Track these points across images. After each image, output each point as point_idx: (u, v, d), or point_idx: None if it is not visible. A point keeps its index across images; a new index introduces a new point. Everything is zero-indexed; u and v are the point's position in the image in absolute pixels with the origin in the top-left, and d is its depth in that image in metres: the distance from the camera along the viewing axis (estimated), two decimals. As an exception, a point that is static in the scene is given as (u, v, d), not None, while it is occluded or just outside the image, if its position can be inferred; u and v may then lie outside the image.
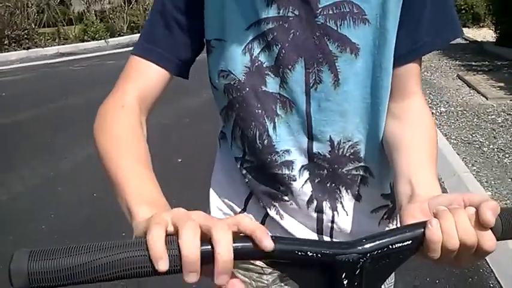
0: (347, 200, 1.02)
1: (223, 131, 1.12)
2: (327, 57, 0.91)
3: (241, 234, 0.59)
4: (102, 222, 3.22)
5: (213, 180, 1.16)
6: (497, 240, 0.65)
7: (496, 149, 4.47)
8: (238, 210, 1.09)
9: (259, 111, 0.96)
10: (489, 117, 5.49)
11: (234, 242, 0.56)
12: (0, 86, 9.33)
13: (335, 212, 1.02)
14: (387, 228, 1.08)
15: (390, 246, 0.63)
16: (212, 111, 1.13)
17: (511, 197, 3.46)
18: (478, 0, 14.77)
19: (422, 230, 0.64)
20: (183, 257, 0.55)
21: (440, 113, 5.81)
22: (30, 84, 9.46)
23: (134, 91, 0.92)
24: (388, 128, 0.95)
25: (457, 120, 5.47)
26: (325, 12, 0.89)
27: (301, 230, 1.05)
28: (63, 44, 15.30)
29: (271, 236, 0.60)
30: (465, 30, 14.01)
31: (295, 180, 1.00)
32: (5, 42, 13.87)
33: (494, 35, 10.61)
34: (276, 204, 1.04)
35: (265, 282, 1.10)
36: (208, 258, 0.55)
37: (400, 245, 0.64)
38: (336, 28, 0.89)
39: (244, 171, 1.05)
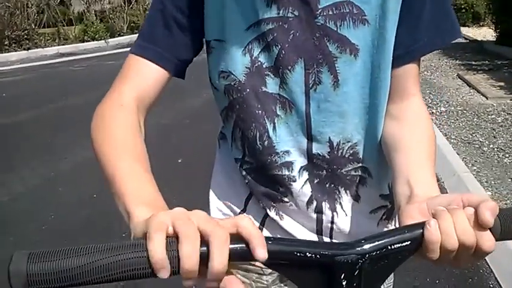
0: (346, 200, 1.02)
1: (222, 132, 1.12)
2: (327, 58, 0.91)
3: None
4: (103, 222, 3.22)
5: (213, 181, 1.16)
6: (496, 240, 0.65)
7: (496, 149, 4.47)
8: (238, 210, 1.10)
9: (260, 112, 0.96)
10: (489, 116, 5.49)
11: (232, 243, 0.56)
12: (0, 86, 9.33)
13: (334, 213, 1.02)
14: (386, 229, 1.08)
15: (389, 247, 0.63)
16: (212, 112, 1.13)
17: (511, 197, 3.46)
18: (478, -1, 14.78)
19: (421, 230, 0.64)
20: (182, 267, 0.55)
21: (440, 112, 5.80)
22: (30, 84, 9.47)
23: (132, 91, 0.92)
24: (387, 128, 0.95)
25: (457, 119, 5.47)
26: (325, 13, 0.89)
27: (300, 231, 1.05)
28: (63, 45, 15.30)
29: (270, 238, 0.60)
30: (465, 29, 14.02)
31: (295, 181, 1.00)
32: (5, 42, 13.88)
33: (495, 34, 10.60)
34: (276, 205, 1.04)
35: (265, 282, 1.10)
36: (205, 260, 0.56)
37: (399, 245, 0.64)
38: (335, 29, 0.89)
39: (243, 173, 1.05)
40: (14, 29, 14.08)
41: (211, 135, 1.25)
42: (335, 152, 0.97)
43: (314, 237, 1.05)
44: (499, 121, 5.30)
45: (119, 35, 16.99)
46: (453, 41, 0.96)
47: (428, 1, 0.90)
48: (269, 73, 0.93)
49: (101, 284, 0.55)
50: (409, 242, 0.64)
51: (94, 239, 3.11)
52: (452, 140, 4.73)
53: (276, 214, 1.05)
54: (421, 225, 0.65)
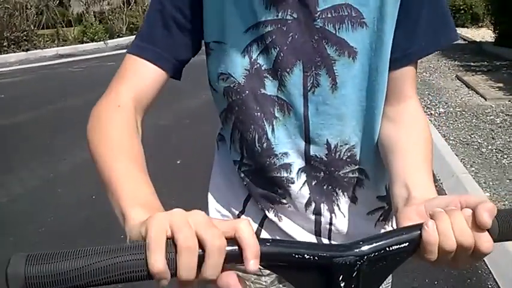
0: (343, 202, 1.02)
1: (221, 133, 1.12)
2: (325, 60, 0.91)
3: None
4: (102, 223, 3.22)
5: (211, 183, 1.16)
6: (494, 241, 0.65)
7: (494, 150, 4.47)
8: (237, 212, 1.10)
9: (259, 114, 0.96)
10: (488, 117, 5.50)
11: (228, 245, 0.56)
12: (-1, 87, 9.33)
13: (333, 214, 1.03)
14: (383, 230, 1.08)
15: (387, 249, 0.63)
16: (211, 113, 1.13)
17: (509, 197, 3.46)
18: (477, 0, 14.78)
19: (419, 231, 0.64)
20: (179, 276, 0.55)
21: (439, 113, 5.81)
22: (29, 85, 9.46)
23: (130, 91, 0.90)
24: (384, 131, 0.95)
25: (456, 121, 5.48)
26: (323, 16, 0.89)
27: (299, 232, 1.05)
28: (62, 46, 15.29)
29: (268, 240, 0.60)
30: (464, 30, 14.03)
31: (293, 183, 1.00)
32: (4, 44, 13.87)
33: (493, 35, 10.61)
34: (274, 207, 1.04)
35: (264, 283, 1.10)
36: (200, 262, 0.56)
37: (397, 247, 0.64)
38: (334, 32, 0.89)
39: (242, 175, 1.05)
40: (13, 30, 14.07)
41: (210, 137, 1.25)
42: (333, 154, 0.97)
43: (313, 239, 1.05)
44: (498, 122, 5.31)
45: (118, 36, 16.99)
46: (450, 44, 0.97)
47: (425, 4, 0.90)
48: (268, 75, 0.93)
49: (99, 286, 0.55)
50: (407, 244, 0.64)
51: (93, 240, 3.11)
52: (450, 141, 4.74)
53: (275, 215, 1.05)
54: (419, 226, 0.65)
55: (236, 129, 1.00)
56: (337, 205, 1.02)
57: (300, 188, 1.00)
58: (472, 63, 8.85)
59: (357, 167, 1.00)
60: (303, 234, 1.05)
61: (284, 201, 1.02)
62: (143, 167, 0.79)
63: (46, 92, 8.61)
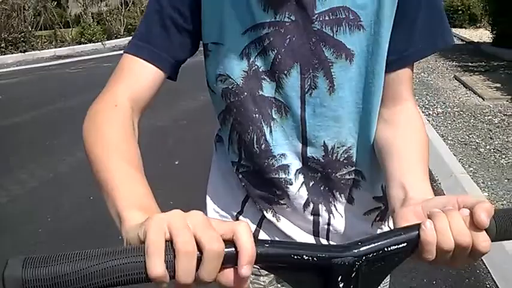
0: (340, 203, 1.03)
1: (219, 134, 1.12)
2: (323, 63, 0.91)
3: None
4: (100, 224, 3.21)
5: (209, 184, 1.16)
6: (492, 241, 0.65)
7: (492, 150, 4.48)
8: (235, 213, 1.10)
9: (257, 115, 0.96)
10: (486, 118, 5.51)
11: (226, 247, 0.56)
12: (-3, 89, 9.32)
13: (331, 215, 1.03)
14: (380, 230, 1.09)
15: (386, 249, 0.63)
16: (209, 113, 1.13)
17: (507, 197, 3.46)
18: (475, 0, 14.80)
19: (417, 232, 0.65)
20: (178, 280, 0.55)
21: (437, 114, 5.81)
22: (27, 87, 9.45)
23: (127, 91, 0.90)
24: (380, 132, 0.95)
25: (454, 121, 5.48)
26: (321, 18, 0.89)
27: (297, 232, 1.05)
28: (60, 47, 15.27)
29: (267, 241, 0.60)
30: (462, 31, 14.06)
31: (291, 184, 1.00)
32: (2, 45, 13.84)
33: (491, 36, 10.63)
34: (273, 207, 1.05)
35: (262, 283, 1.10)
36: (197, 263, 0.56)
37: (396, 247, 0.64)
38: (332, 34, 0.90)
39: (240, 176, 1.05)
40: (11, 31, 14.05)
41: (207, 137, 1.25)
42: (330, 156, 0.98)
43: (311, 239, 1.05)
44: (496, 122, 5.32)
45: (116, 37, 16.97)
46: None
47: (422, 7, 0.90)
48: (265, 77, 0.93)
49: None
50: (405, 244, 0.64)
51: (91, 241, 3.10)
52: (449, 141, 4.74)
53: (273, 216, 1.05)
54: (417, 226, 0.65)
55: (234, 130, 1.00)
56: (334, 206, 1.03)
57: (298, 189, 1.00)
58: (470, 64, 8.86)
59: (353, 168, 1.00)
60: (301, 235, 1.05)
61: (282, 202, 1.03)
62: (139, 168, 0.78)
63: (44, 93, 8.60)
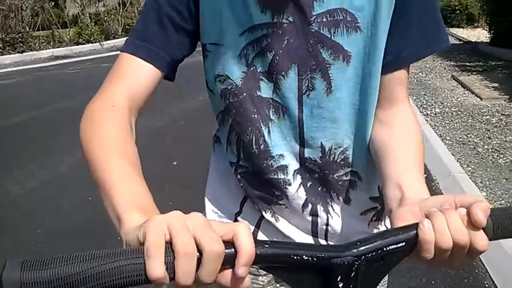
0: (337, 203, 1.03)
1: (217, 135, 1.12)
2: (320, 64, 0.91)
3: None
4: (100, 224, 3.21)
5: (208, 184, 1.16)
6: (489, 240, 0.65)
7: (490, 150, 4.49)
8: (234, 213, 1.10)
9: (255, 116, 0.96)
10: (483, 117, 5.51)
11: (226, 248, 0.56)
12: (-5, 89, 9.31)
13: (329, 215, 1.03)
14: (376, 230, 1.09)
15: (384, 248, 0.64)
16: (208, 114, 1.13)
17: (505, 197, 3.47)
18: (472, 0, 14.82)
19: (415, 231, 0.65)
20: (177, 282, 0.55)
21: (435, 113, 5.82)
22: (25, 87, 9.44)
23: (124, 90, 0.89)
24: (375, 133, 0.96)
25: (452, 120, 5.49)
26: (319, 20, 0.89)
27: (296, 233, 1.06)
28: (57, 47, 15.24)
29: (267, 241, 0.60)
30: (459, 30, 14.08)
31: (290, 185, 1.00)
32: (-1, 45, 13.85)
33: (489, 35, 10.65)
34: (272, 208, 1.05)
35: (261, 283, 1.10)
36: (199, 266, 0.56)
37: (394, 246, 0.64)
38: (329, 36, 0.90)
39: (239, 176, 1.05)
40: (8, 31, 14.01)
41: (206, 138, 1.25)
42: (327, 157, 0.98)
43: (310, 239, 1.06)
44: (494, 122, 5.32)
45: (114, 38, 16.95)
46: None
47: (419, 9, 0.91)
48: (263, 78, 0.94)
49: None
50: (404, 243, 0.65)
51: (91, 241, 3.11)
52: (447, 141, 4.75)
53: (272, 216, 1.05)
54: (415, 226, 0.66)
55: (233, 131, 1.00)
56: (332, 206, 1.03)
57: (297, 190, 1.01)
58: (467, 63, 8.87)
59: (349, 169, 1.00)
60: (300, 235, 1.06)
61: (281, 202, 1.03)
62: (137, 167, 0.78)
63: (43, 93, 8.59)
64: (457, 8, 15.13)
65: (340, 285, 0.62)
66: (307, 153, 0.98)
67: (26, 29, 14.59)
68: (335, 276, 0.62)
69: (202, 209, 1.11)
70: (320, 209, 1.03)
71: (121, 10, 18.01)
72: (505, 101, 6.07)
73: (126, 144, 0.81)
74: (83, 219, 3.53)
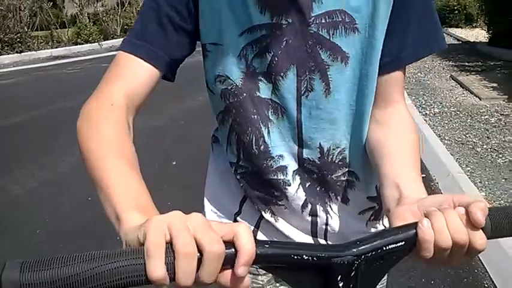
0: (335, 203, 1.04)
1: (215, 135, 1.12)
2: (319, 66, 0.91)
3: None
4: (100, 224, 3.20)
5: (207, 184, 1.16)
6: (488, 239, 0.66)
7: (489, 149, 4.49)
8: (233, 213, 1.10)
9: (255, 116, 0.96)
10: (482, 117, 5.52)
11: (226, 249, 0.56)
12: (-7, 89, 9.30)
13: (328, 215, 1.03)
14: (374, 229, 1.09)
15: (384, 248, 0.64)
16: (207, 114, 1.13)
17: (504, 197, 3.47)
18: (471, 0, 14.83)
19: (415, 230, 0.65)
20: (178, 282, 0.55)
21: (434, 113, 5.83)
22: (24, 87, 9.43)
23: (122, 88, 0.88)
24: (372, 133, 0.96)
25: (451, 120, 5.50)
26: (317, 21, 0.89)
27: (296, 233, 1.06)
28: (56, 47, 15.23)
29: (267, 241, 0.61)
30: (458, 30, 14.09)
31: (289, 185, 1.00)
32: (-2, 45, 13.84)
33: (487, 35, 10.66)
34: (271, 208, 1.05)
35: (260, 282, 1.10)
36: (199, 266, 0.56)
37: (394, 245, 0.64)
38: (328, 37, 0.90)
39: (238, 177, 1.05)
40: (7, 32, 14.00)
41: (206, 137, 1.25)
42: (325, 158, 0.98)
43: (309, 239, 1.06)
44: (492, 122, 5.33)
45: (113, 38, 16.94)
46: (447, 42, 0.98)
47: (419, 9, 0.91)
48: (262, 78, 0.94)
49: None
50: (403, 242, 0.65)
51: (91, 241, 3.10)
52: (446, 141, 4.75)
53: (271, 216, 1.05)
54: (414, 225, 0.66)
55: (233, 131, 1.00)
56: (330, 206, 1.03)
57: (296, 190, 1.01)
58: (466, 63, 8.88)
59: (347, 169, 1.01)
60: (299, 235, 1.06)
61: (281, 203, 1.03)
62: (135, 166, 0.77)
63: (42, 93, 8.59)
64: (455, 8, 15.15)
65: (340, 284, 0.62)
66: (306, 153, 0.98)
67: (24, 29, 14.58)
68: (335, 275, 0.62)
69: (201, 209, 1.11)
70: (319, 209, 1.03)
71: (119, 10, 18.00)
72: (503, 101, 6.08)
73: (123, 144, 0.81)
74: (83, 219, 3.53)
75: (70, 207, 3.82)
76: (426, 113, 5.83)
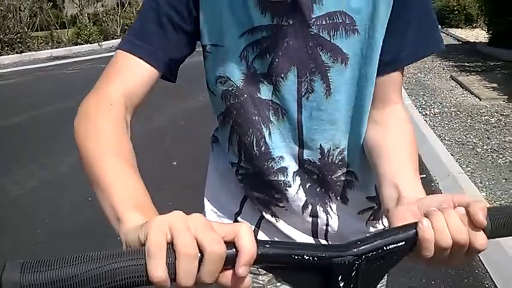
0: (335, 203, 1.04)
1: (215, 135, 1.12)
2: (320, 67, 0.91)
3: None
4: (100, 224, 3.20)
5: (207, 184, 1.16)
6: (488, 238, 0.66)
7: (489, 150, 4.49)
8: (234, 213, 1.10)
9: (256, 117, 0.96)
10: (482, 117, 5.52)
11: (227, 249, 0.56)
12: (-6, 89, 9.30)
13: (328, 216, 1.03)
14: (373, 229, 1.09)
15: (385, 248, 0.64)
16: (208, 114, 1.13)
17: (505, 197, 3.47)
18: (471, 1, 14.83)
19: (415, 230, 0.65)
20: (179, 283, 0.55)
21: (434, 114, 5.82)
22: (24, 87, 9.43)
23: (120, 87, 0.88)
24: (370, 133, 0.96)
25: (451, 121, 5.49)
26: (318, 23, 0.89)
27: (296, 232, 1.06)
28: (56, 48, 15.23)
29: (268, 241, 0.61)
30: (458, 31, 14.09)
31: (290, 187, 1.00)
32: (-2, 46, 13.83)
33: (487, 36, 10.65)
34: (271, 209, 1.05)
35: (261, 282, 1.10)
36: (200, 267, 0.56)
37: (394, 245, 0.64)
38: (328, 38, 0.90)
39: (239, 177, 1.05)
40: (7, 32, 13.99)
41: (206, 138, 1.25)
42: (326, 159, 0.98)
43: (310, 239, 1.06)
44: (493, 122, 5.33)
45: (113, 38, 16.92)
46: (446, 43, 0.98)
47: (419, 10, 0.91)
48: (263, 80, 0.94)
49: None
50: (403, 242, 0.65)
51: (91, 241, 3.10)
52: (446, 141, 4.75)
53: (272, 216, 1.05)
54: (414, 225, 0.66)
55: (234, 132, 1.00)
56: (330, 207, 1.04)
57: (297, 191, 1.01)
58: (466, 64, 8.88)
59: (346, 169, 1.01)
60: (300, 235, 1.06)
61: (281, 204, 1.03)
62: (133, 165, 0.77)
63: (41, 94, 8.59)
64: (455, 8, 15.16)
65: (341, 284, 0.62)
66: (306, 154, 0.98)
67: (24, 30, 14.57)
68: (336, 275, 0.62)
69: (202, 209, 1.11)
70: (320, 209, 1.03)
71: (119, 10, 18.00)
72: (503, 101, 6.07)
73: (121, 142, 0.81)
74: (83, 219, 3.53)
75: (70, 207, 3.82)
76: (426, 114, 5.83)
